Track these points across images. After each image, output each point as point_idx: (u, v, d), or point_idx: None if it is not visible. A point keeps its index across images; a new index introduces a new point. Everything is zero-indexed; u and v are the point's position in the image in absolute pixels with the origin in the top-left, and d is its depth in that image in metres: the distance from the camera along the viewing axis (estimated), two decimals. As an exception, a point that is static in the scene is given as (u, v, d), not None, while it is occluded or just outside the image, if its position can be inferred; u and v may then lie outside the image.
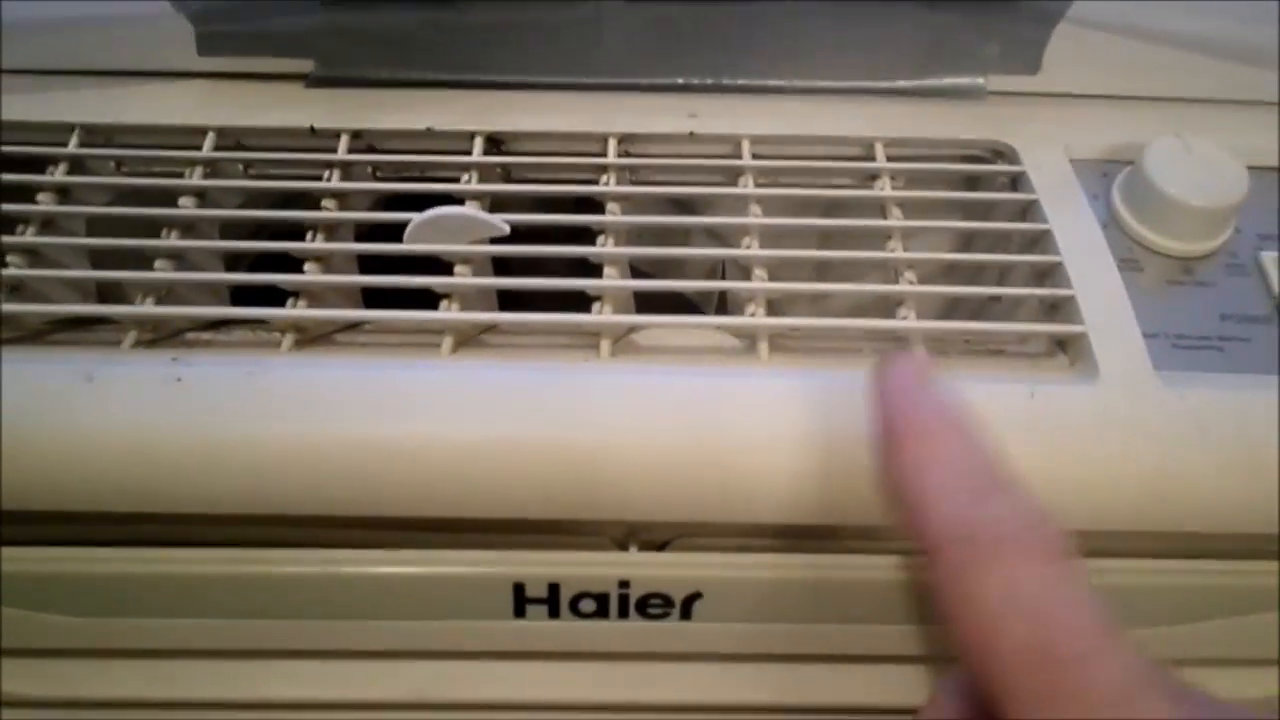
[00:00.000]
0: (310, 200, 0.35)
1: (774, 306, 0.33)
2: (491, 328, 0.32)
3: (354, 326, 0.33)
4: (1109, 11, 0.40)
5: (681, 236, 0.40)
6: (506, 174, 0.37)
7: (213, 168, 0.36)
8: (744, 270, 0.36)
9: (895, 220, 0.34)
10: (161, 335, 0.32)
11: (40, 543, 0.30)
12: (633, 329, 0.32)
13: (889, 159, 0.36)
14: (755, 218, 0.34)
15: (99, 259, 0.35)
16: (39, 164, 0.35)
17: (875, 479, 0.23)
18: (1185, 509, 0.29)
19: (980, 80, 0.39)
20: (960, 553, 0.20)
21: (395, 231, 0.33)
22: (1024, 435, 0.28)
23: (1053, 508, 0.21)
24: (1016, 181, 0.36)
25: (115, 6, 0.39)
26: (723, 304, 0.43)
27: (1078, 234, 0.33)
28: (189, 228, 0.34)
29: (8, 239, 0.33)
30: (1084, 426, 0.29)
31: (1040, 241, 0.34)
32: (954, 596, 0.20)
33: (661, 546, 0.31)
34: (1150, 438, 0.28)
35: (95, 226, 0.35)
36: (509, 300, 0.34)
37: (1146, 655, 0.19)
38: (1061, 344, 0.32)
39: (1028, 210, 0.35)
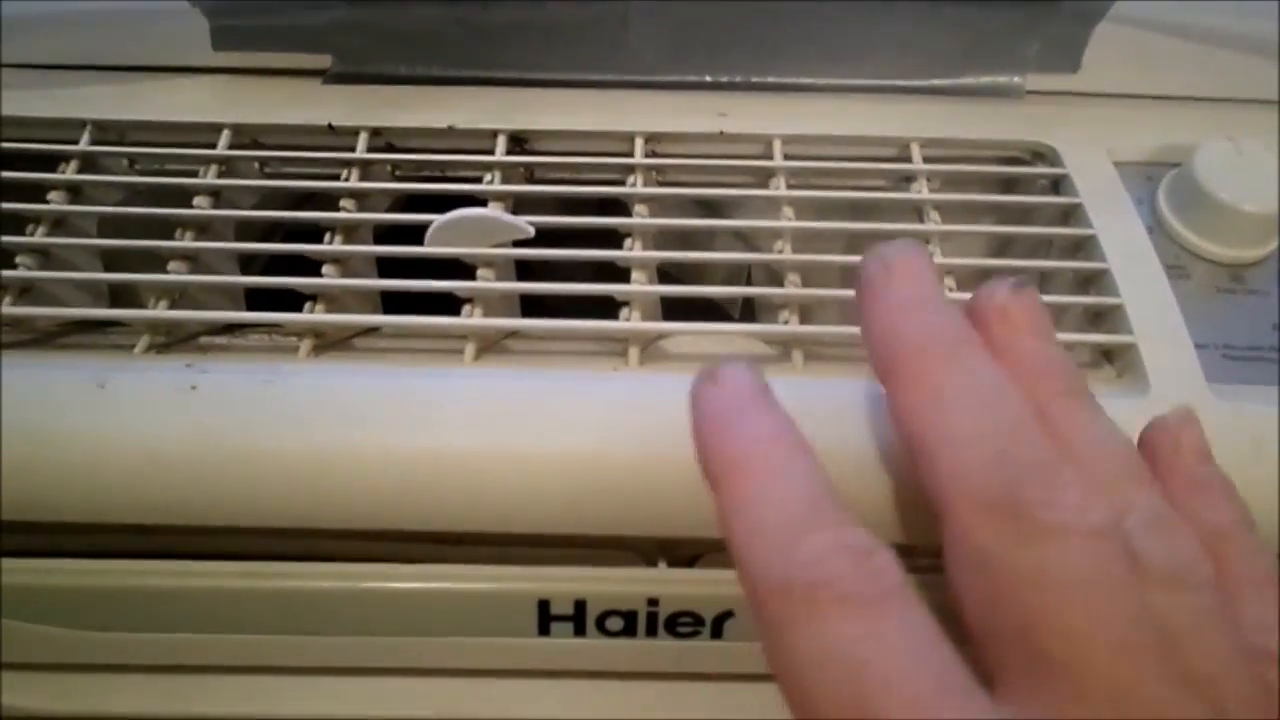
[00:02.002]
0: (327, 200, 0.34)
1: (805, 312, 0.31)
2: (513, 333, 0.31)
3: (373, 331, 0.32)
4: (1150, 10, 0.38)
5: (706, 238, 0.39)
6: (530, 174, 0.36)
7: (228, 166, 0.35)
8: (770, 273, 0.35)
9: (934, 224, 0.33)
10: (175, 339, 0.31)
11: (50, 554, 0.29)
12: (658, 336, 0.31)
13: (925, 160, 0.35)
14: (788, 221, 0.33)
15: (110, 260, 0.34)
16: (50, 161, 0.34)
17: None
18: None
19: (1018, 79, 0.38)
20: (776, 609, 0.18)
21: (414, 232, 0.32)
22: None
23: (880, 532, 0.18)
24: (1058, 184, 0.34)
25: (130, 1, 0.38)
26: (748, 307, 0.42)
27: (1124, 240, 0.32)
28: (204, 228, 0.33)
29: (18, 239, 0.32)
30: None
31: (1084, 247, 0.32)
32: (772, 655, 0.18)
33: (690, 562, 0.30)
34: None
35: (107, 226, 0.34)
36: (529, 304, 0.33)
37: (978, 705, 0.17)
38: (1108, 354, 0.31)
39: (1071, 214, 0.33)
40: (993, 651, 0.18)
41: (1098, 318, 0.31)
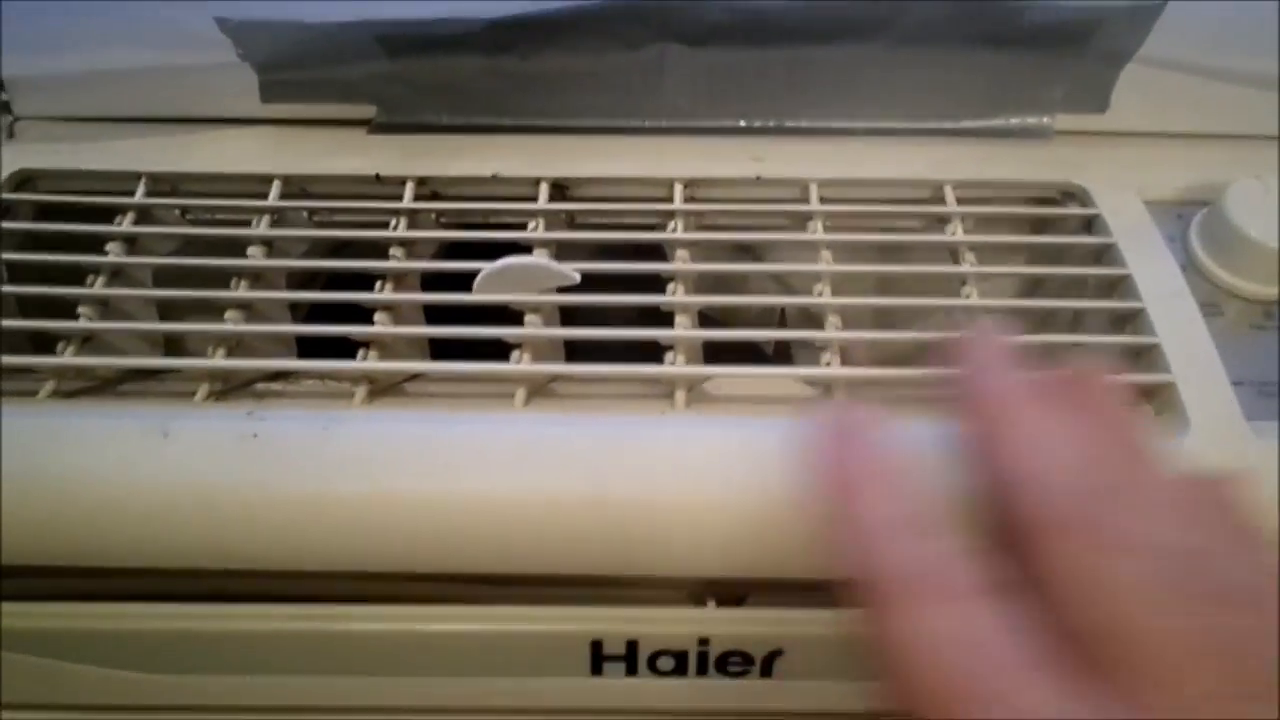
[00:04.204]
0: (376, 248, 0.35)
1: (844, 353, 0.32)
2: (558, 377, 0.32)
3: (419, 375, 0.32)
4: (1176, 50, 0.39)
5: (741, 282, 0.40)
6: (571, 219, 0.37)
7: (279, 216, 0.36)
8: (806, 315, 0.36)
9: (970, 265, 0.33)
10: (231, 386, 0.32)
11: (113, 598, 0.29)
12: (704, 379, 0.31)
13: (959, 202, 0.36)
14: (827, 264, 0.33)
15: (165, 309, 0.35)
16: (106, 214, 0.35)
17: (813, 533, 0.23)
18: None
19: (1048, 120, 0.39)
20: (879, 596, 0.20)
21: (460, 279, 0.33)
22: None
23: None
24: (1090, 224, 0.35)
25: (180, 55, 0.39)
26: (781, 349, 0.42)
27: (1159, 278, 0.33)
28: (258, 277, 0.34)
29: (79, 290, 0.33)
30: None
31: (1119, 286, 0.33)
32: (876, 641, 0.20)
33: (739, 601, 0.30)
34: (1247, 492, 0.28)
35: (161, 277, 0.35)
36: (571, 349, 0.34)
37: (1072, 688, 0.19)
38: (1145, 393, 0.31)
39: (1104, 254, 0.34)
40: (1081, 653, 0.20)
41: (1135, 357, 0.32)
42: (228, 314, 0.32)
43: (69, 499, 0.28)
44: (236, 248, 0.34)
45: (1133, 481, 0.22)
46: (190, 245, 0.35)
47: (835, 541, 0.22)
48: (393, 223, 0.35)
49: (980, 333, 0.26)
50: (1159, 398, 0.30)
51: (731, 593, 0.30)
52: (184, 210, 0.37)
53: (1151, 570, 0.20)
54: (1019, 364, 0.25)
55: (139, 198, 0.36)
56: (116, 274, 0.34)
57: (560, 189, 0.36)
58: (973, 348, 0.25)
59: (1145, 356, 0.31)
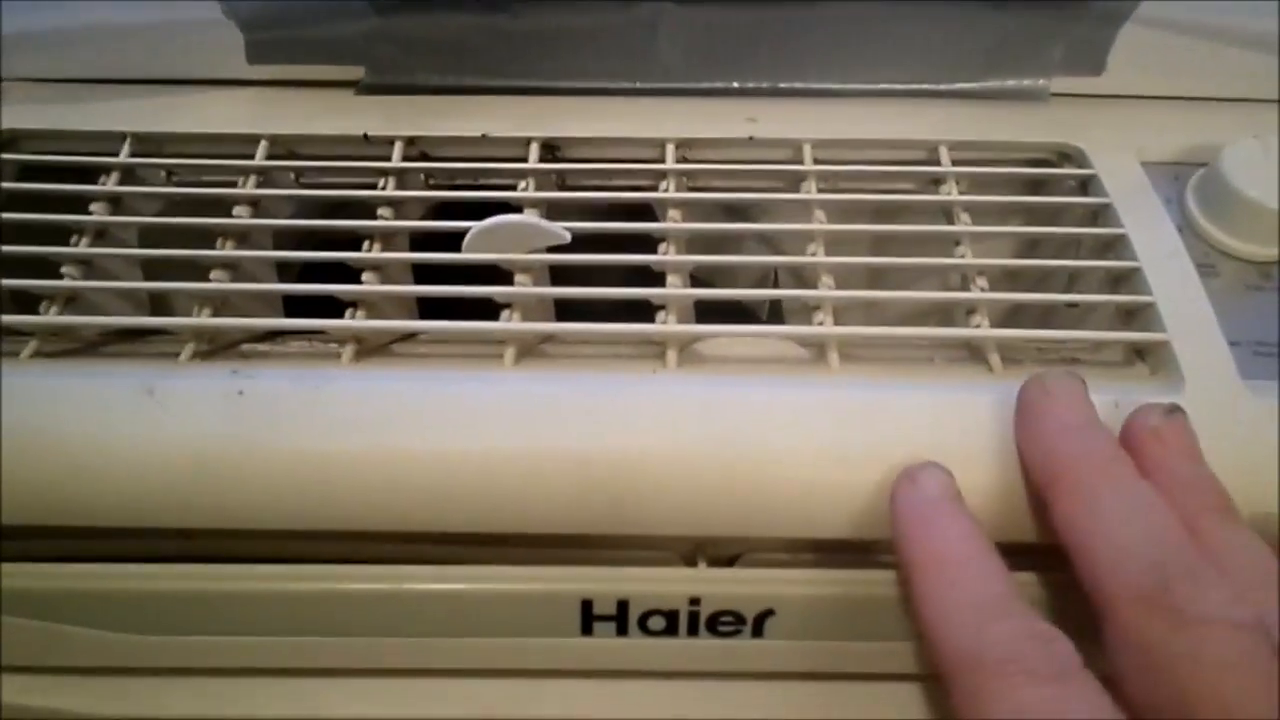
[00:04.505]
0: (362, 209, 0.34)
1: (837, 314, 0.32)
2: (549, 337, 0.32)
3: (410, 336, 0.32)
4: (1173, 11, 0.39)
5: (734, 242, 0.39)
6: (561, 180, 0.37)
7: (265, 176, 0.35)
8: (798, 276, 0.35)
9: (964, 225, 0.33)
10: (218, 346, 0.31)
11: (99, 559, 0.29)
12: (695, 338, 0.31)
13: (954, 162, 0.35)
14: (821, 224, 0.33)
15: (150, 269, 0.35)
16: (91, 173, 0.35)
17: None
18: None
19: (1044, 82, 0.38)
20: (970, 679, 0.21)
21: (449, 239, 0.32)
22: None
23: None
24: (1087, 185, 0.35)
25: (164, 13, 0.38)
26: (775, 310, 0.42)
27: (1154, 239, 0.32)
28: (244, 237, 0.33)
29: (63, 250, 0.32)
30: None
31: (1115, 246, 0.33)
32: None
33: (730, 561, 0.30)
34: (1242, 450, 0.27)
35: (146, 237, 0.35)
36: (562, 309, 0.34)
37: None
38: (1140, 352, 0.31)
39: (1100, 214, 0.34)
40: None
41: (1130, 316, 0.31)
42: (213, 273, 0.32)
43: (53, 459, 0.28)
44: (222, 208, 0.34)
45: (1206, 556, 0.22)
46: (175, 206, 0.35)
47: (928, 622, 0.23)
48: (381, 183, 0.35)
49: (1059, 383, 0.26)
50: (1154, 356, 0.30)
51: (723, 553, 0.30)
52: (169, 171, 0.36)
53: (1226, 644, 0.20)
54: (1095, 415, 0.26)
55: (123, 157, 0.35)
56: (101, 234, 0.34)
57: (551, 149, 0.36)
58: (1054, 400, 0.26)
59: (1141, 315, 0.31)
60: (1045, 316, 0.36)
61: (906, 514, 0.25)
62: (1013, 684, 0.20)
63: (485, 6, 0.37)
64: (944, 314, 0.38)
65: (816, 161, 0.35)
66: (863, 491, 0.27)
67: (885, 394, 0.29)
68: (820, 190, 0.34)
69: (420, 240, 0.34)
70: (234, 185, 0.35)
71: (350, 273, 0.32)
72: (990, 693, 0.21)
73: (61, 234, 0.33)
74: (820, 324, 0.31)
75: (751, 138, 0.36)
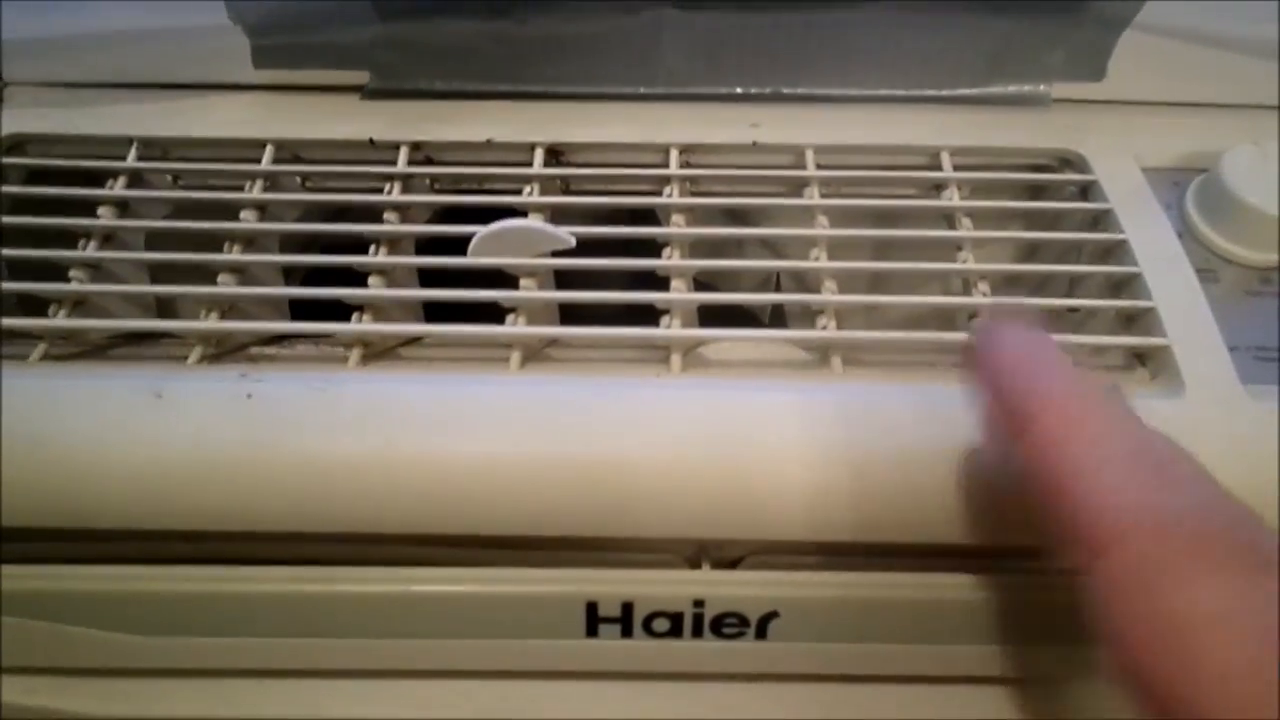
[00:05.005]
0: (367, 213, 0.34)
1: (840, 318, 0.32)
2: (554, 341, 0.32)
3: (416, 340, 0.32)
4: (1174, 17, 0.39)
5: (736, 247, 0.40)
6: (565, 185, 0.37)
7: (272, 181, 0.35)
8: (801, 280, 0.36)
9: (966, 230, 0.33)
10: (225, 349, 0.32)
11: (107, 561, 0.29)
12: (699, 342, 0.31)
13: (955, 168, 0.35)
14: (823, 229, 0.33)
15: (156, 274, 0.35)
16: (98, 177, 0.35)
17: (986, 465, 0.21)
18: None
19: (1045, 87, 0.38)
20: (1143, 552, 0.17)
21: (454, 244, 0.32)
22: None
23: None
24: (1087, 190, 0.35)
25: (170, 19, 0.38)
26: (777, 315, 0.42)
27: (1155, 244, 0.33)
28: (251, 241, 0.34)
29: (71, 254, 0.32)
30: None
31: (1115, 252, 0.33)
32: (1132, 604, 0.17)
33: (734, 564, 0.30)
34: (1242, 454, 0.28)
35: (153, 241, 0.35)
36: (566, 313, 0.34)
37: None
38: (1140, 357, 0.31)
39: (1100, 220, 0.34)
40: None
41: (1130, 321, 0.32)
42: (220, 277, 0.32)
43: (61, 461, 0.28)
44: (229, 212, 0.34)
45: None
46: (182, 210, 0.35)
47: (1036, 479, 0.19)
48: (387, 188, 0.35)
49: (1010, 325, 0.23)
50: (1154, 361, 0.30)
51: (727, 555, 0.30)
52: (176, 175, 0.36)
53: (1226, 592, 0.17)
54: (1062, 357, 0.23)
55: (130, 162, 0.35)
56: (108, 238, 0.34)
57: (555, 154, 0.36)
58: (1004, 336, 0.23)
59: (1141, 320, 0.31)
60: (1046, 321, 0.36)
61: (1004, 357, 0.21)
62: (1216, 566, 0.17)
63: (490, 12, 0.37)
64: (946, 318, 0.38)
65: (819, 167, 0.35)
66: (865, 495, 0.27)
67: (888, 398, 0.29)
68: (823, 195, 0.35)
69: (426, 245, 0.35)
70: (240, 190, 0.35)
71: (357, 277, 0.32)
72: (1178, 573, 0.17)
73: (69, 238, 0.33)
74: (823, 328, 0.31)
75: (755, 143, 0.36)
